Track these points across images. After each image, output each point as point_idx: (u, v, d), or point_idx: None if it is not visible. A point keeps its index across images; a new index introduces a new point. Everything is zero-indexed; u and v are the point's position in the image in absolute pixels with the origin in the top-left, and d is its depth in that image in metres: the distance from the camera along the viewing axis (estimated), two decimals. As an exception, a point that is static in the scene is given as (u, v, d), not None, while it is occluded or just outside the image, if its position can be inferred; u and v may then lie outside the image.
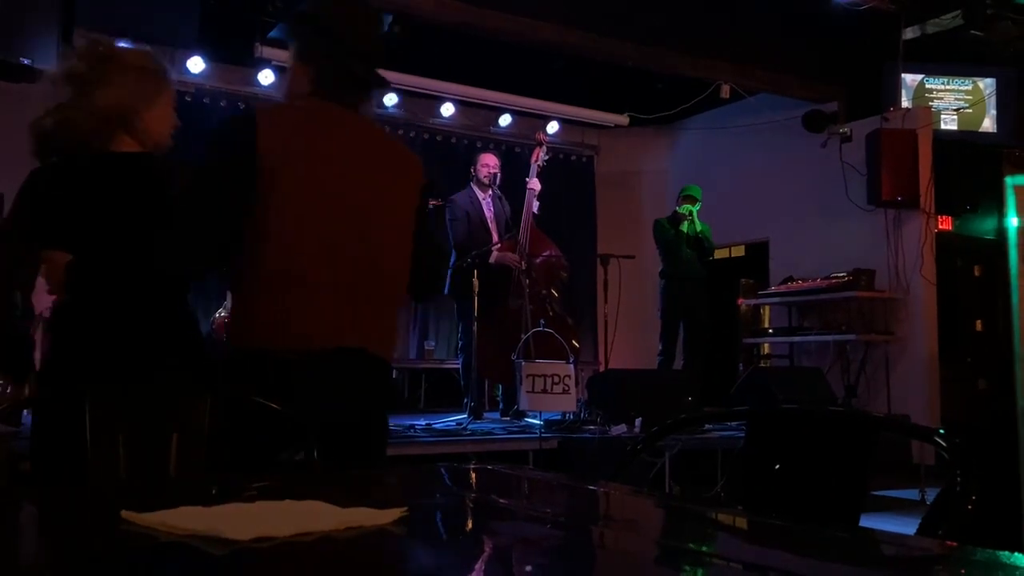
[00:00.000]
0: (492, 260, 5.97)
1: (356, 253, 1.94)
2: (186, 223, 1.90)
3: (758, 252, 8.10)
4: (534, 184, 6.21)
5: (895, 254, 6.79)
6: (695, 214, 6.82)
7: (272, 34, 6.49)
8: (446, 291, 6.24)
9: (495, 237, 6.06)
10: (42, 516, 1.13)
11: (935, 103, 7.18)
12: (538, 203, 6.20)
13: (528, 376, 4.94)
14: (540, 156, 6.28)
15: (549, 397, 4.91)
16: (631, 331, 7.14)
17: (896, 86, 7.12)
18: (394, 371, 2.11)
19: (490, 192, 6.17)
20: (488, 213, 6.15)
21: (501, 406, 6.28)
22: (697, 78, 7.09)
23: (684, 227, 6.82)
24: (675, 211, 6.96)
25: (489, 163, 6.18)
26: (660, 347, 6.87)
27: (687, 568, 0.93)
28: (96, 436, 1.59)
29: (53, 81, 2.22)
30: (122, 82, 2.17)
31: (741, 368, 7.39)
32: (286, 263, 1.88)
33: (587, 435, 5.15)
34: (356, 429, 1.94)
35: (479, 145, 8.10)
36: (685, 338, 6.89)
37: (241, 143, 1.88)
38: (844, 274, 6.70)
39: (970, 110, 7.30)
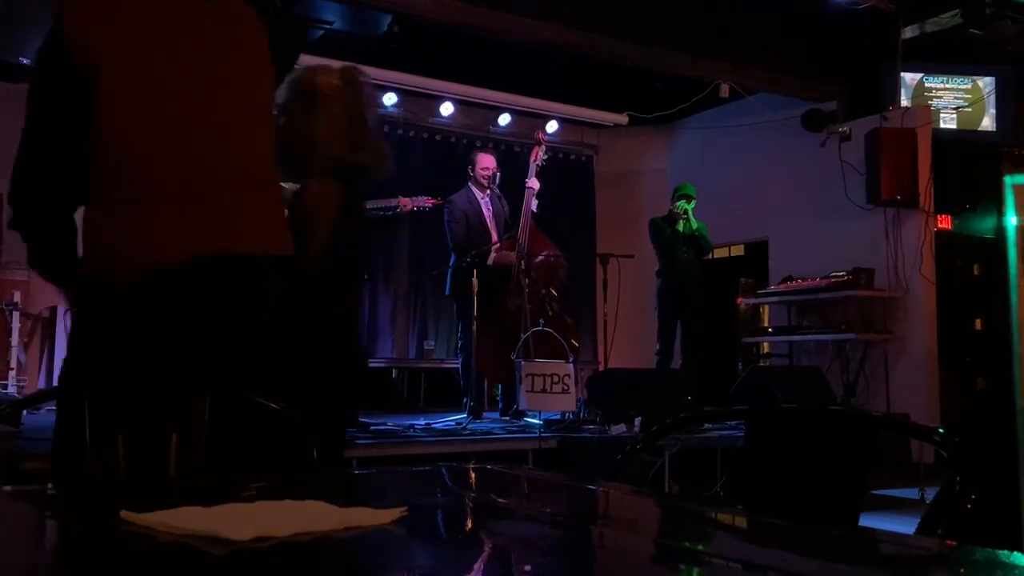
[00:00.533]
0: (490, 262, 5.96)
1: (202, 143, 1.71)
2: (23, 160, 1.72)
3: (757, 251, 8.11)
4: (533, 183, 6.21)
5: (894, 253, 6.80)
6: (690, 212, 6.81)
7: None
8: (446, 291, 6.24)
9: (494, 237, 6.05)
10: (42, 516, 1.13)
11: (934, 102, 7.18)
12: (537, 202, 6.20)
13: (528, 376, 4.95)
14: (539, 155, 6.28)
15: (548, 397, 4.92)
16: (630, 330, 7.15)
17: (895, 85, 7.12)
18: (270, 264, 1.79)
19: (488, 192, 6.16)
20: (487, 213, 6.15)
21: (501, 406, 6.28)
22: (696, 77, 7.09)
23: (680, 226, 6.81)
24: (670, 210, 6.95)
25: (487, 164, 6.17)
26: (658, 346, 6.88)
27: (686, 568, 0.93)
28: (95, 436, 1.59)
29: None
30: None
31: (740, 367, 7.39)
32: (122, 171, 1.67)
33: (587, 435, 5.14)
34: (232, 346, 1.72)
35: (478, 144, 8.10)
36: (683, 337, 6.89)
37: (52, 52, 1.72)
38: (843, 273, 6.70)
39: (969, 109, 7.30)
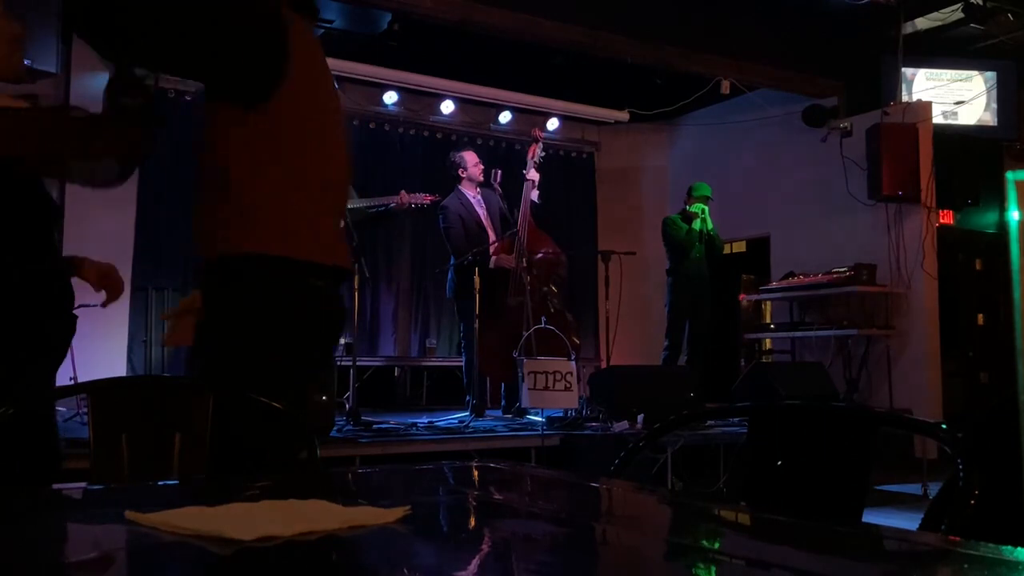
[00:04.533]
0: (492, 265, 5.97)
1: (344, 176, 2.04)
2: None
3: (759, 247, 8.11)
4: (532, 174, 6.19)
5: (896, 248, 6.79)
6: (707, 213, 6.80)
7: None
8: (448, 294, 6.25)
9: (492, 236, 6.05)
10: (46, 516, 1.13)
11: (935, 97, 7.17)
12: (538, 192, 6.19)
13: (530, 373, 4.95)
14: (536, 152, 6.28)
15: (551, 394, 4.92)
16: (632, 327, 7.15)
17: (896, 80, 7.11)
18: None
19: (479, 190, 6.16)
20: (481, 212, 6.14)
21: (503, 403, 6.28)
22: (697, 74, 7.08)
23: (696, 225, 6.79)
24: (684, 209, 6.92)
25: (477, 161, 6.18)
26: (666, 343, 6.87)
27: (690, 564, 0.93)
28: (99, 436, 1.59)
29: None
30: None
31: (743, 364, 7.39)
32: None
33: (589, 432, 5.15)
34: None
35: (479, 143, 8.10)
36: (689, 335, 6.89)
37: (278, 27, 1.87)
38: (845, 269, 6.70)
39: (970, 104, 7.29)
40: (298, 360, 1.89)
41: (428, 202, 5.88)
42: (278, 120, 1.84)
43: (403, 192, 5.76)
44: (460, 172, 6.17)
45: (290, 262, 1.85)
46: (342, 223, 2.08)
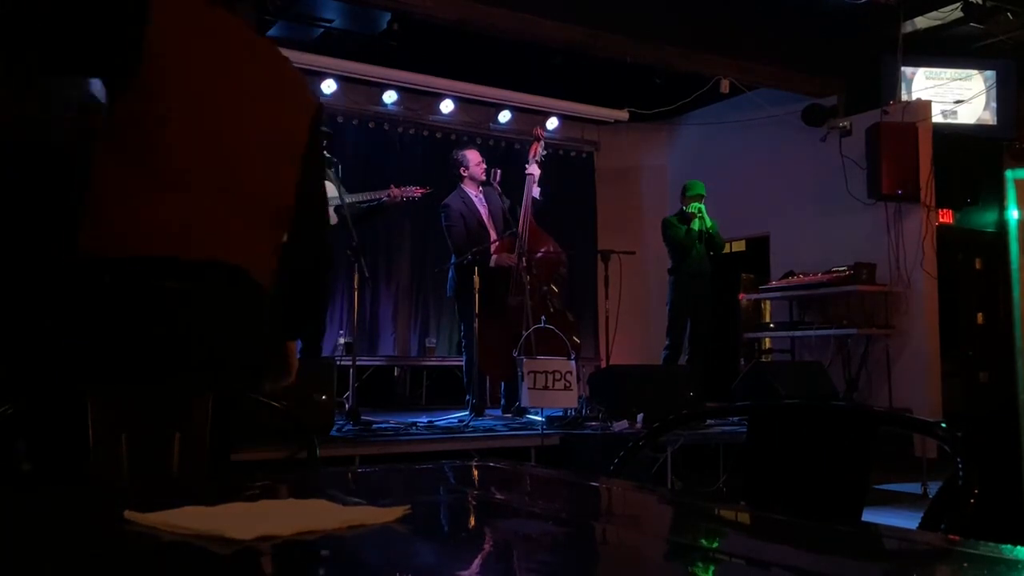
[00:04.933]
0: (492, 264, 5.98)
1: (242, 165, 1.78)
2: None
3: (759, 247, 8.11)
4: (533, 169, 6.18)
5: (896, 248, 6.80)
6: (704, 210, 6.79)
7: (270, 33, 6.48)
8: (448, 293, 6.25)
9: (493, 235, 6.05)
10: (45, 516, 1.13)
11: (935, 96, 7.17)
12: (539, 188, 6.18)
13: (529, 373, 4.95)
14: (538, 151, 6.28)
15: (551, 393, 4.92)
16: (632, 327, 7.15)
17: (895, 79, 7.11)
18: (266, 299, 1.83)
19: (481, 188, 6.16)
20: (483, 211, 6.14)
21: (503, 403, 6.28)
22: (697, 73, 7.08)
23: (695, 224, 6.78)
24: (681, 209, 6.91)
25: (480, 160, 6.19)
26: (667, 341, 6.86)
27: (689, 563, 0.93)
28: (98, 436, 1.59)
29: None
30: None
31: (743, 363, 7.39)
32: (173, 163, 1.71)
33: (589, 431, 5.15)
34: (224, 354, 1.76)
35: (478, 142, 8.10)
36: (690, 334, 6.88)
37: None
38: (845, 268, 6.71)
39: (970, 103, 7.29)
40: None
41: (419, 195, 5.89)
42: (135, 112, 1.69)
43: (392, 186, 5.78)
44: (462, 171, 6.17)
45: (125, 262, 1.69)
46: (259, 228, 1.83)
